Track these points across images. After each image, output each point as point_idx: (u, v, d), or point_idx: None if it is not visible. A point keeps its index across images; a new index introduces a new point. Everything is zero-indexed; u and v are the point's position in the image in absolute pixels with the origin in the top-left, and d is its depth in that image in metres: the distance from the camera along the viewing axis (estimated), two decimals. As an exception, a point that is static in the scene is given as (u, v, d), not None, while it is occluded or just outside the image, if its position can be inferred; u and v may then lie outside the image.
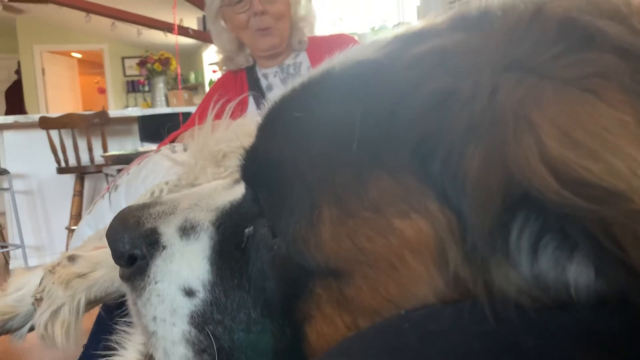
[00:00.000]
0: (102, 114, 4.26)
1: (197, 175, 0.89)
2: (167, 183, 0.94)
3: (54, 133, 4.10)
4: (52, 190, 4.50)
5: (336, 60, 0.42)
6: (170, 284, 0.46)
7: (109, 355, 0.67)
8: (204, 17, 6.00)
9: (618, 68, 0.29)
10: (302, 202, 0.37)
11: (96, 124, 4.16)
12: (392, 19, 4.87)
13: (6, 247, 4.46)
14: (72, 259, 0.81)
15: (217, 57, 2.02)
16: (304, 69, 1.88)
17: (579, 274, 0.28)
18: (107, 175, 3.89)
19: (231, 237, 0.45)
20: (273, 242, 0.41)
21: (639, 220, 0.25)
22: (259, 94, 1.80)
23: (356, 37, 3.04)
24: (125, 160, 3.24)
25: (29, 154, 4.40)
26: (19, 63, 9.31)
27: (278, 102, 0.43)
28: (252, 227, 0.44)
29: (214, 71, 7.83)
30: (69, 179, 4.30)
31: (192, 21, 7.06)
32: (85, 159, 4.15)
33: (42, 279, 0.81)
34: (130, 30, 7.39)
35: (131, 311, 0.51)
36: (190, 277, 0.45)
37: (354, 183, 0.35)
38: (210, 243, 0.46)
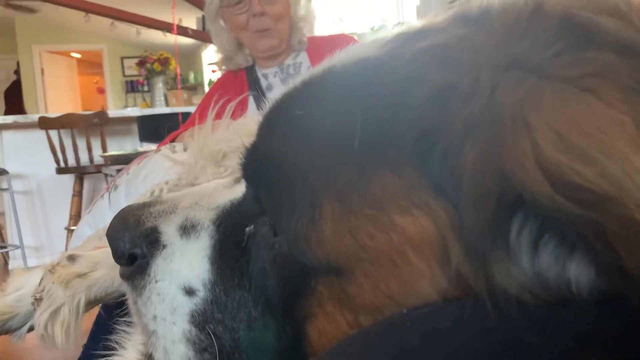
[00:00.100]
0: (102, 114, 4.25)
1: (197, 175, 0.89)
2: (167, 183, 0.93)
3: (53, 133, 4.09)
4: (52, 191, 4.50)
5: (337, 58, 0.42)
6: (170, 282, 0.45)
7: (109, 355, 0.67)
8: (203, 17, 6.00)
9: (617, 66, 0.29)
10: (304, 199, 0.37)
11: (95, 124, 4.16)
12: (392, 18, 4.88)
13: (5, 247, 4.46)
14: (71, 258, 0.80)
15: (217, 57, 2.02)
16: (304, 69, 1.87)
17: (580, 272, 0.28)
18: (106, 175, 3.88)
19: (232, 236, 0.45)
20: (274, 240, 0.41)
21: (630, 225, 0.25)
22: (259, 94, 1.80)
23: (356, 37, 3.04)
24: (125, 160, 3.24)
25: (28, 154, 4.39)
26: (18, 63, 9.30)
27: (279, 100, 0.43)
28: (252, 226, 0.44)
29: (213, 71, 7.83)
30: (68, 179, 4.30)
31: (191, 21, 7.05)
32: (84, 159, 4.15)
33: (41, 278, 0.81)
34: (129, 30, 7.38)
35: (131, 310, 0.51)
36: (191, 276, 0.45)
37: (356, 180, 0.35)
38: (211, 242, 0.45)
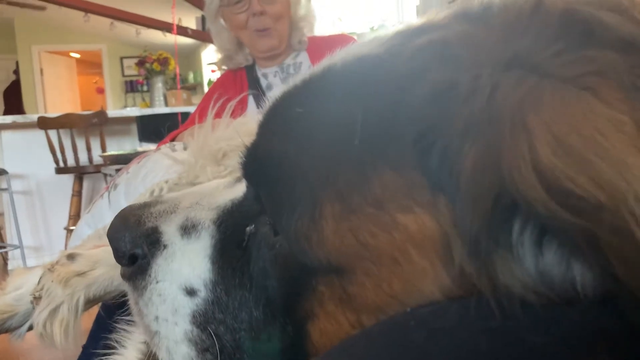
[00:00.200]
0: (101, 114, 4.25)
1: (197, 174, 0.88)
2: (167, 182, 0.93)
3: (52, 133, 4.09)
4: (51, 191, 4.49)
5: (337, 56, 0.41)
6: (171, 283, 0.45)
7: (109, 354, 0.67)
8: (202, 16, 6.00)
9: (618, 65, 0.29)
10: (304, 198, 0.37)
11: (95, 124, 4.16)
12: (392, 18, 4.88)
13: (4, 247, 4.45)
14: (71, 257, 0.80)
15: (217, 56, 2.01)
16: (304, 69, 1.87)
17: (584, 271, 0.28)
18: (105, 175, 3.88)
19: (232, 236, 0.45)
20: (275, 240, 0.41)
21: (623, 235, 0.25)
22: (259, 93, 1.79)
23: (355, 37, 3.04)
24: (124, 160, 3.24)
25: (27, 154, 4.39)
26: (17, 63, 9.29)
27: (279, 99, 0.43)
28: (253, 226, 0.44)
29: (213, 71, 7.83)
30: (68, 179, 4.29)
31: (190, 21, 7.05)
32: (83, 159, 4.14)
33: (41, 277, 0.81)
34: (128, 30, 7.38)
35: (133, 311, 0.51)
36: (192, 276, 0.45)
37: (357, 178, 0.35)
38: (212, 242, 0.45)
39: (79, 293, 0.78)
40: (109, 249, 0.50)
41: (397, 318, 0.33)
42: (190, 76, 9.46)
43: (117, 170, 1.68)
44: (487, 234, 0.29)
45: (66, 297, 0.77)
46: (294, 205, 0.37)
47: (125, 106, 9.29)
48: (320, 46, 1.88)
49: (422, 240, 0.33)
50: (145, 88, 9.30)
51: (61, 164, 4.13)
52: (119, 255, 0.48)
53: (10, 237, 4.41)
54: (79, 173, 4.12)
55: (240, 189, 0.48)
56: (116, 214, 0.51)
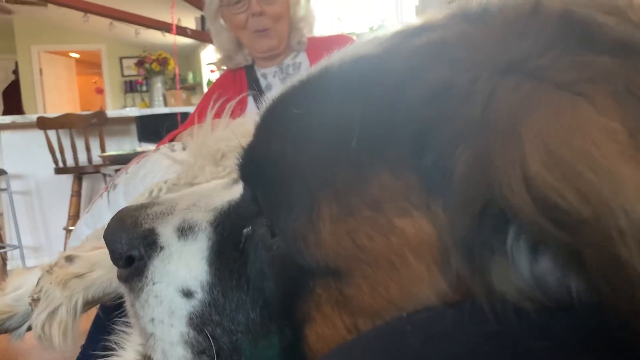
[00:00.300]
0: (100, 114, 4.25)
1: (196, 174, 0.88)
2: (166, 182, 0.93)
3: (51, 133, 4.09)
4: (50, 191, 4.49)
5: (335, 57, 0.41)
6: (168, 285, 0.45)
7: (107, 356, 0.67)
8: (202, 17, 6.00)
9: (614, 70, 0.29)
10: (301, 200, 0.37)
11: (94, 124, 4.16)
12: (391, 19, 4.88)
13: (4, 247, 4.45)
14: (69, 259, 0.80)
15: (216, 56, 2.01)
16: (303, 69, 1.87)
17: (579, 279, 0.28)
18: (105, 175, 3.89)
19: (229, 238, 0.44)
20: (272, 241, 0.40)
21: (602, 250, 0.24)
22: (258, 93, 1.79)
23: (355, 37, 3.03)
24: (123, 160, 3.24)
25: (26, 154, 4.39)
26: (16, 63, 9.29)
27: (276, 100, 0.43)
28: (250, 227, 0.43)
29: (212, 71, 7.83)
30: (67, 179, 4.29)
31: (190, 21, 7.05)
32: (83, 159, 4.14)
33: (39, 279, 0.81)
34: (128, 30, 7.37)
35: (129, 312, 0.50)
36: (188, 278, 0.45)
37: (354, 180, 0.35)
38: (209, 243, 0.45)
39: (78, 295, 0.78)
40: (108, 251, 0.49)
41: (394, 323, 0.33)
42: (190, 76, 9.46)
43: (117, 171, 1.68)
44: (478, 239, 0.29)
45: (65, 299, 0.77)
46: (291, 206, 0.37)
47: (125, 106, 9.29)
48: (319, 47, 1.88)
49: (419, 244, 0.32)
50: (144, 88, 9.30)
51: (60, 164, 4.13)
52: (115, 257, 0.48)
53: (10, 237, 4.41)
54: (78, 173, 4.12)
55: (238, 190, 0.48)
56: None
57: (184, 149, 1.08)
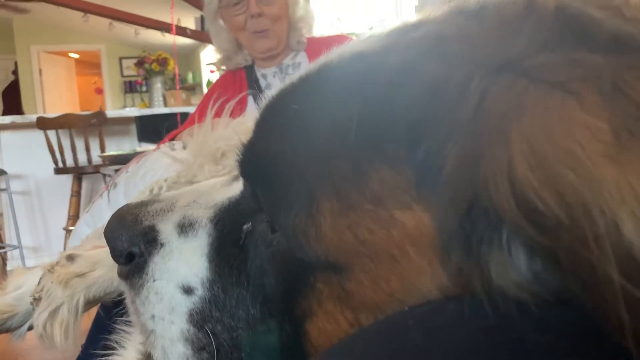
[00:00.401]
0: (100, 114, 4.25)
1: (196, 173, 0.89)
2: (166, 180, 0.93)
3: (51, 133, 4.09)
4: (50, 191, 4.49)
5: (334, 54, 0.41)
6: (168, 281, 0.45)
7: (108, 355, 0.67)
8: (201, 17, 5.99)
9: (606, 69, 0.28)
10: (301, 195, 0.37)
11: (94, 124, 4.15)
12: (390, 18, 4.87)
13: (3, 247, 4.45)
14: (71, 258, 0.80)
15: (216, 56, 2.01)
16: (303, 69, 1.87)
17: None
18: (104, 175, 3.89)
19: (230, 234, 0.45)
20: (272, 237, 0.40)
21: (576, 255, 0.25)
22: (258, 93, 1.79)
23: (354, 37, 3.03)
24: (123, 160, 3.24)
25: (26, 154, 4.39)
26: (16, 64, 9.29)
27: (276, 97, 0.43)
28: (250, 223, 0.43)
29: (212, 71, 7.83)
30: (67, 180, 4.29)
31: (189, 21, 7.04)
32: (82, 159, 4.14)
33: (40, 278, 0.81)
34: (127, 30, 7.37)
35: (129, 309, 0.50)
36: (189, 274, 0.45)
37: (354, 174, 0.35)
38: (209, 240, 0.45)
39: (79, 294, 0.78)
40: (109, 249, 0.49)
41: (396, 317, 0.33)
42: (189, 76, 9.46)
43: (116, 171, 1.68)
44: (473, 235, 0.29)
45: (66, 298, 0.77)
46: (292, 201, 0.37)
47: (124, 106, 9.29)
48: (318, 46, 1.88)
49: (420, 238, 0.32)
50: (144, 88, 9.30)
51: (60, 164, 4.13)
52: (116, 254, 0.48)
53: (9, 238, 4.41)
54: (78, 173, 4.12)
55: (238, 187, 0.48)
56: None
57: (184, 147, 1.08)
